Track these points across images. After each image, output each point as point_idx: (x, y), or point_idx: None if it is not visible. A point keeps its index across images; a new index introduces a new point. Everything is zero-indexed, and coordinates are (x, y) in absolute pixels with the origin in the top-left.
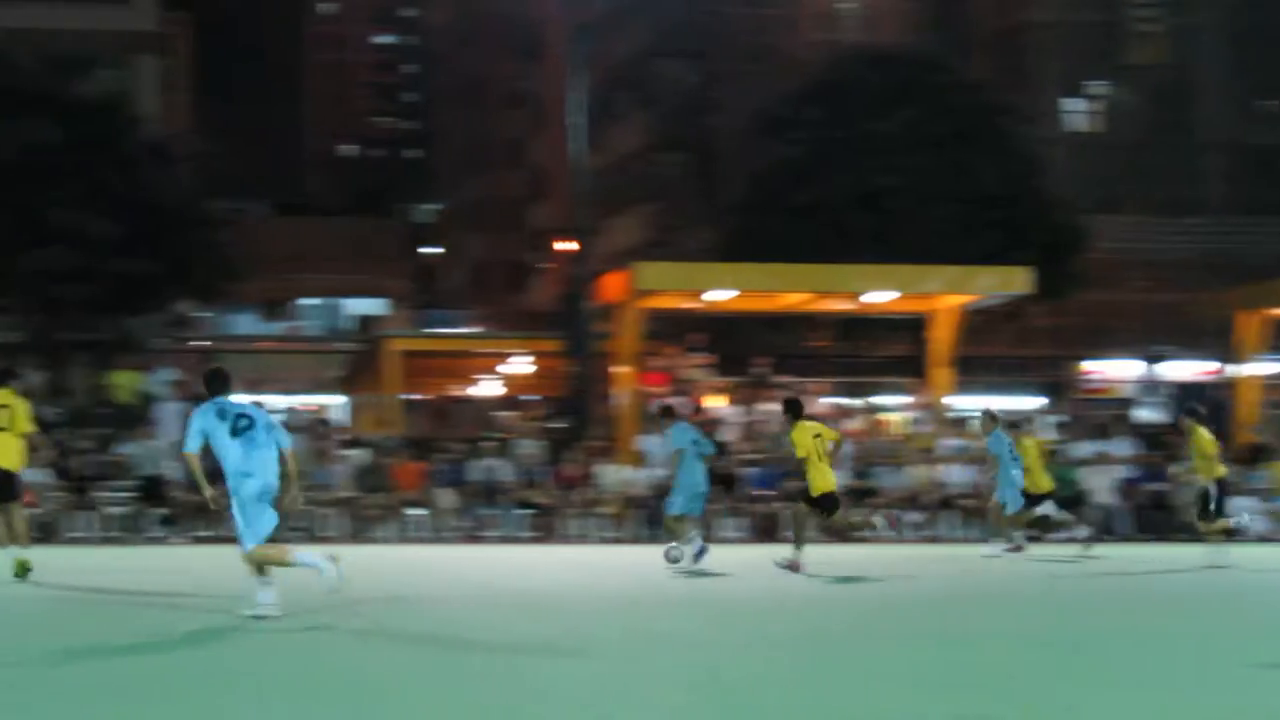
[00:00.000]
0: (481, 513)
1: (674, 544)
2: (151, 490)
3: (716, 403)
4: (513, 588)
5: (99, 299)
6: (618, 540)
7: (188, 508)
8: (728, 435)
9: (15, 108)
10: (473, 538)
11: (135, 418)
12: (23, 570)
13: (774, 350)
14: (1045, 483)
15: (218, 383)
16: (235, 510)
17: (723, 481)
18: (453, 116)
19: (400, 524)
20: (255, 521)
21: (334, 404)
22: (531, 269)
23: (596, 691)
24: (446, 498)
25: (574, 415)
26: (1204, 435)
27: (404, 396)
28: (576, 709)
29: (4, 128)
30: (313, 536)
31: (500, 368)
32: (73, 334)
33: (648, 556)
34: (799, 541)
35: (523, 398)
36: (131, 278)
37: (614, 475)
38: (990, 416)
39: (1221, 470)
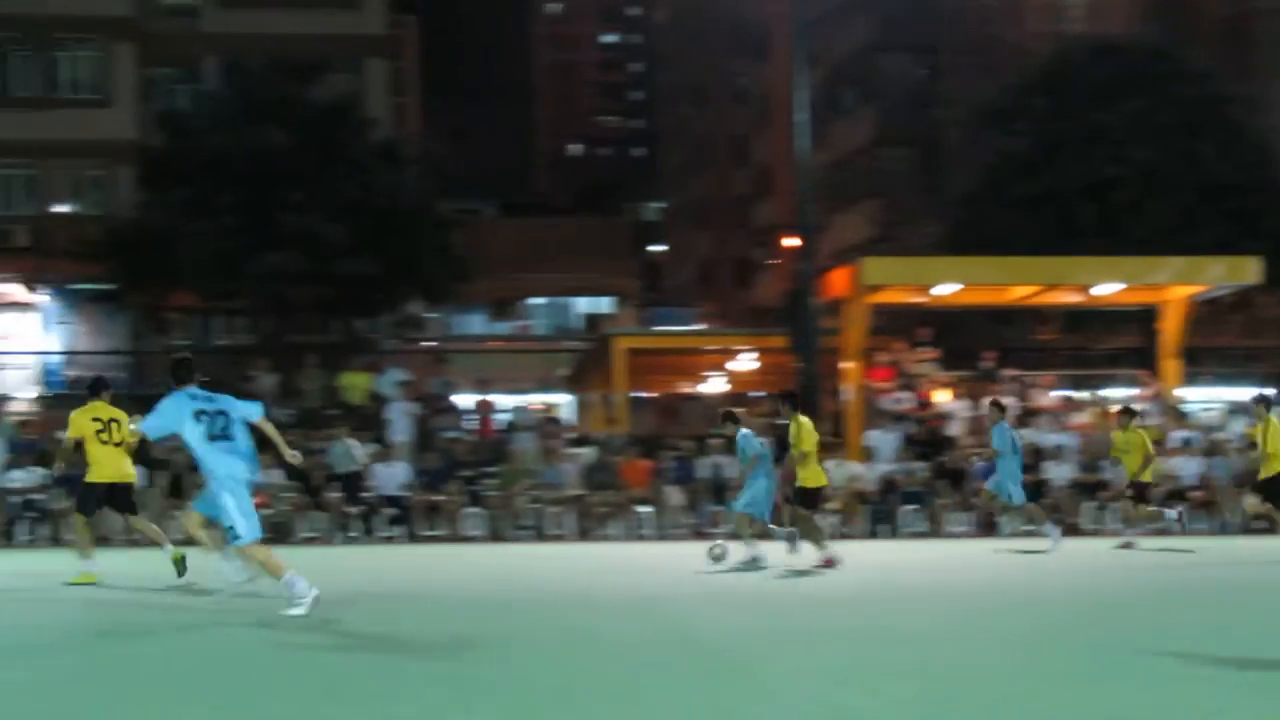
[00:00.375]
0: (709, 509)
1: (718, 542)
2: (350, 488)
3: (943, 397)
4: (739, 584)
5: (330, 301)
6: (844, 536)
7: (417, 508)
8: (954, 430)
9: (248, 113)
10: (700, 534)
11: (366, 418)
12: (180, 563)
13: (1001, 344)
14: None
15: (184, 371)
16: (227, 503)
17: (950, 476)
18: (678, 114)
19: (628, 521)
20: (249, 514)
21: (562, 402)
22: (757, 265)
23: (827, 685)
24: (674, 495)
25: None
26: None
27: (631, 394)
28: (809, 703)
29: (237, 133)
30: (541, 535)
31: (727, 364)
32: (304, 336)
33: (875, 552)
34: (817, 541)
35: (749, 394)
36: (361, 279)
37: (841, 471)
38: (998, 408)
39: None
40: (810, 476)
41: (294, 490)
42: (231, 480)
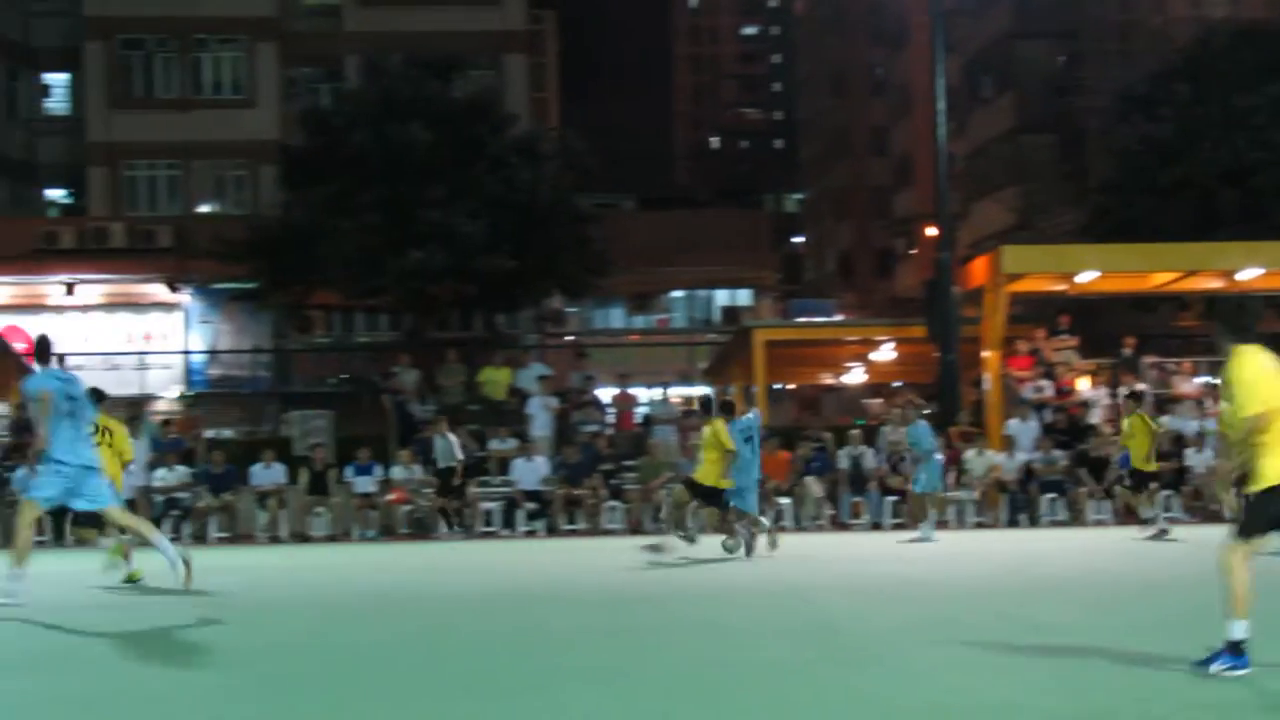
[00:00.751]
0: (848, 500)
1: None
2: (445, 482)
3: (1083, 385)
4: (878, 575)
5: (470, 297)
6: (982, 525)
7: (557, 502)
8: (1094, 418)
9: (389, 111)
10: (839, 525)
11: (506, 413)
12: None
13: (1141, 331)
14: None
15: (44, 351)
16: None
17: (1090, 464)
18: (817, 105)
19: (768, 512)
20: (45, 487)
21: (702, 395)
22: (897, 256)
23: (968, 676)
24: (813, 486)
25: (941, 401)
26: None
27: (771, 386)
28: (950, 694)
29: (378, 131)
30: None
31: (866, 355)
32: (445, 332)
33: (1015, 541)
34: (679, 527)
35: (890, 384)
36: (502, 275)
37: (981, 460)
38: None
39: None
40: (710, 475)
41: (433, 486)
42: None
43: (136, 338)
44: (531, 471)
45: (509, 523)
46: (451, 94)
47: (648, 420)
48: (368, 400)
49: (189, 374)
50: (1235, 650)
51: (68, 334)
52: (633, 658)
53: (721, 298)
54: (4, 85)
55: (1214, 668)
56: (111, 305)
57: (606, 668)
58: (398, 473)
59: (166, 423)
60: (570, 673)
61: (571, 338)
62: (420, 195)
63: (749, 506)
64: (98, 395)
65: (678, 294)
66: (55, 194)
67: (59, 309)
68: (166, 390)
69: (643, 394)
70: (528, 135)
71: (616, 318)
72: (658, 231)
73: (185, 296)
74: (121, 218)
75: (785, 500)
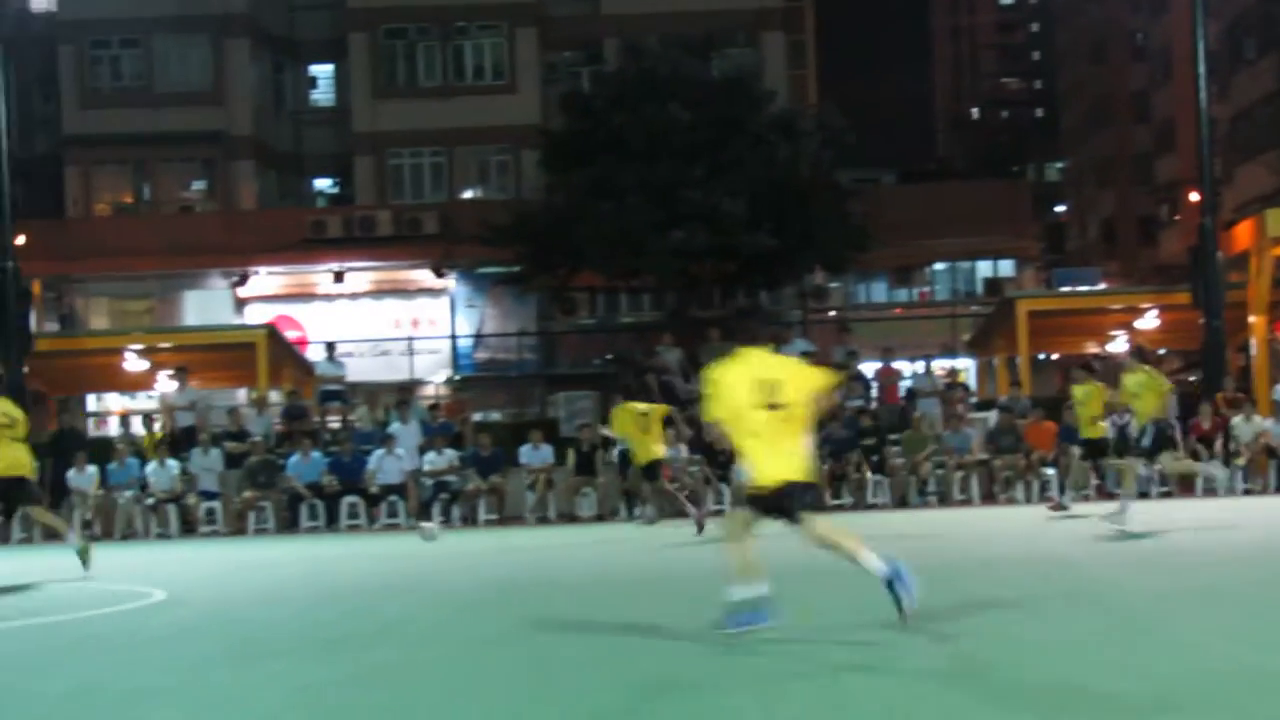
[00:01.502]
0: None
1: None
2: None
3: None
4: (1139, 544)
5: (732, 275)
6: (1250, 492)
7: (823, 477)
8: None
9: (648, 92)
10: (1106, 494)
11: None
12: (86, 557)
13: None
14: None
15: None
16: None
17: None
18: (1077, 73)
19: (1034, 485)
20: None
21: (965, 367)
22: (1161, 222)
23: (1239, 646)
24: (1077, 454)
25: (1206, 367)
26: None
27: (1035, 356)
28: (1221, 662)
29: (638, 112)
30: (945, 500)
31: (1131, 323)
32: (707, 310)
33: None
34: (646, 501)
35: (1155, 352)
36: (763, 252)
37: (1249, 426)
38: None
39: None
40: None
41: (699, 464)
42: None
43: (404, 323)
44: None
45: None
46: (710, 73)
47: (911, 394)
48: (633, 380)
49: (456, 358)
50: None
51: (337, 322)
52: (894, 631)
53: (984, 269)
54: (271, 78)
55: None
56: (379, 292)
57: (868, 643)
58: (669, 453)
59: (435, 407)
60: (837, 646)
61: (834, 313)
62: (681, 175)
63: None
64: None
65: (940, 266)
66: (322, 184)
67: (328, 297)
68: (434, 375)
69: (906, 368)
70: (786, 112)
71: (879, 292)
72: (918, 204)
73: (451, 281)
74: (387, 205)
75: (1050, 470)
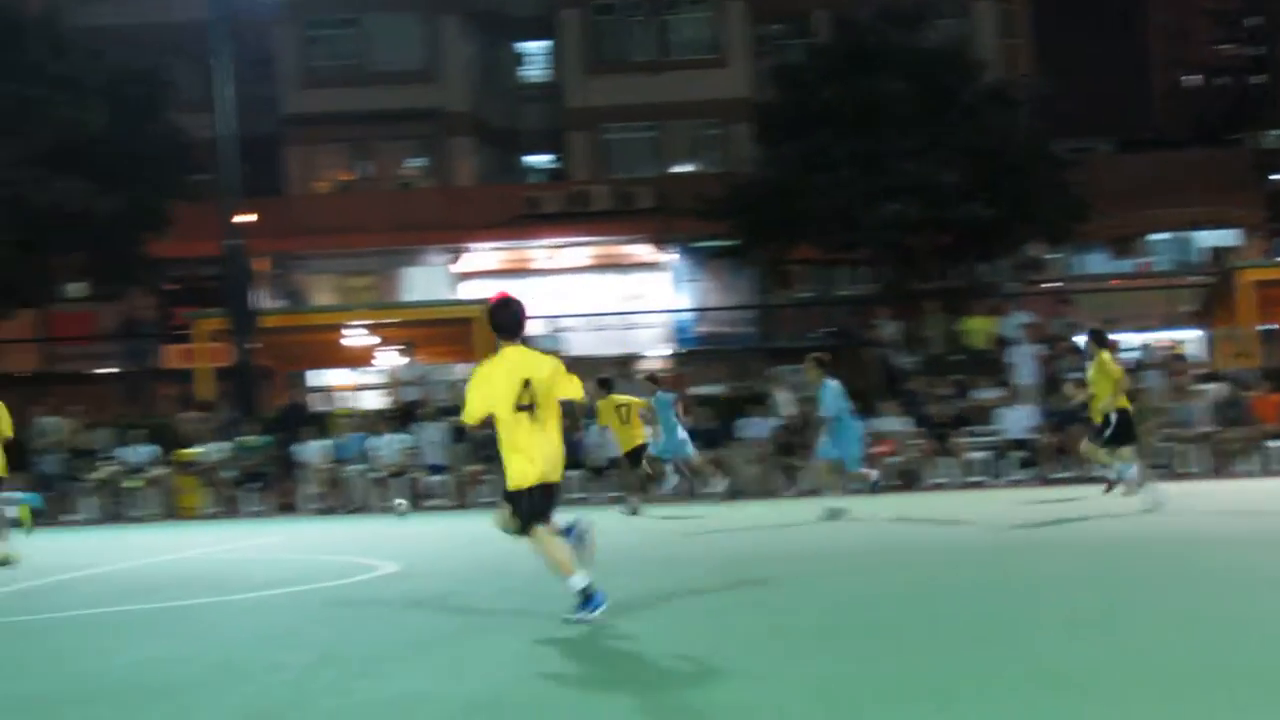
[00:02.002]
0: None
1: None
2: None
3: None
4: None
5: (948, 247)
6: None
7: (1045, 450)
8: None
9: (859, 64)
10: None
11: (989, 362)
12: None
13: None
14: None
15: None
16: None
17: None
18: None
19: (1261, 457)
20: None
21: (1188, 339)
22: None
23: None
24: None
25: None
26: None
27: (1260, 328)
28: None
29: (849, 84)
30: (1172, 473)
31: None
32: (924, 283)
33: None
34: (634, 490)
35: None
36: (979, 224)
37: None
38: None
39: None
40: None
41: (922, 437)
42: None
43: (622, 298)
44: (1017, 420)
45: (997, 472)
46: (921, 44)
47: (1137, 365)
48: (851, 353)
49: (676, 332)
50: None
51: (555, 297)
52: (1082, 602)
53: (1206, 239)
54: (485, 55)
55: None
56: (597, 267)
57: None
58: (884, 424)
59: (652, 379)
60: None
61: (1053, 284)
62: (894, 147)
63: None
64: None
65: (1159, 236)
66: (537, 160)
67: (544, 272)
68: (654, 349)
69: (1129, 339)
70: (999, 83)
71: (1098, 262)
72: (1136, 174)
73: (670, 255)
74: (602, 180)
75: (1275, 444)
